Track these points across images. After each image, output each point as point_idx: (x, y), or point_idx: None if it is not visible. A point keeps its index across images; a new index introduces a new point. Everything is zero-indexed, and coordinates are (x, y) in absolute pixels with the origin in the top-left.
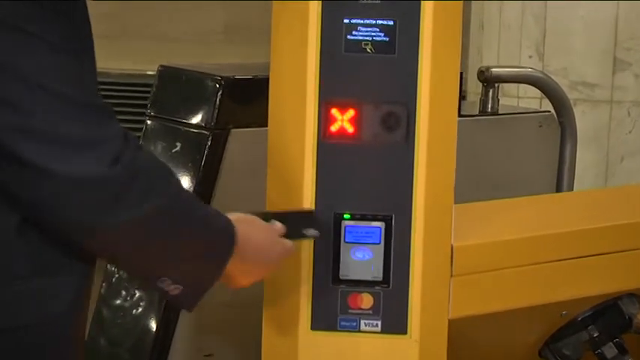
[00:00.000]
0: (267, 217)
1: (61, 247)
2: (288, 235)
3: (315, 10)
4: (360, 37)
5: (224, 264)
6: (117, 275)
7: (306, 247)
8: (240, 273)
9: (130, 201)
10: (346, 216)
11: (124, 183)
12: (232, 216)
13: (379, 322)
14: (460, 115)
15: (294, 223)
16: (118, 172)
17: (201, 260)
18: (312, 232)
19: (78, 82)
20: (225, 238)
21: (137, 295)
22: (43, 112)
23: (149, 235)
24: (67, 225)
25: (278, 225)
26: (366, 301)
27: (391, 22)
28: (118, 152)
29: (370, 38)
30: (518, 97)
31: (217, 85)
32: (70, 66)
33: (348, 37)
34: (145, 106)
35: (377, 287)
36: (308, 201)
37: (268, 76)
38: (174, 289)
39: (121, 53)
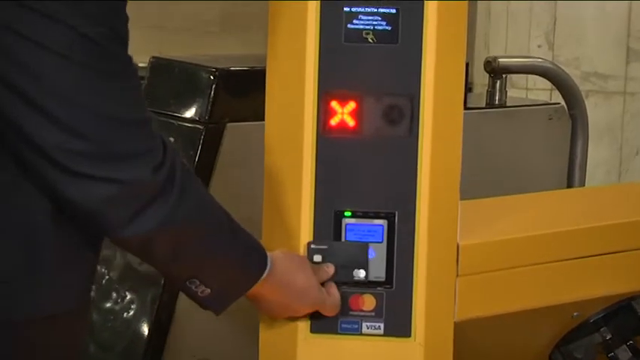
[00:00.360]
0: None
1: (80, 239)
2: (339, 279)
3: None
4: (361, 26)
5: (252, 281)
6: (107, 277)
7: (305, 247)
8: (269, 300)
9: (166, 206)
10: (347, 214)
11: (163, 188)
12: (278, 250)
13: (382, 325)
14: (466, 108)
15: (348, 261)
16: (160, 178)
17: (231, 271)
18: (361, 274)
19: (124, 101)
20: (256, 257)
21: (128, 297)
22: (89, 131)
23: (180, 238)
24: (109, 226)
25: (327, 269)
26: (368, 302)
27: (393, 10)
28: (160, 160)
29: (371, 27)
30: (527, 89)
31: (212, 77)
32: (116, 85)
33: (349, 26)
34: None
35: (379, 288)
36: (307, 198)
37: (265, 67)
38: (203, 291)
39: None
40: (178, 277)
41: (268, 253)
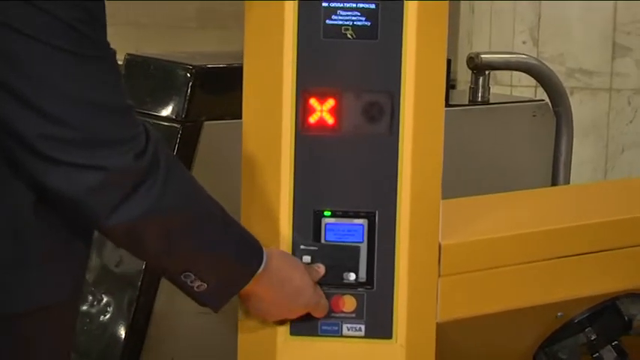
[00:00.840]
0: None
1: (69, 231)
2: (327, 281)
3: None
4: (340, 22)
5: (249, 275)
6: None
7: (285, 247)
8: (262, 299)
9: (150, 194)
10: (326, 213)
11: (147, 176)
12: (271, 249)
13: (363, 326)
14: (448, 105)
15: (338, 263)
16: (143, 165)
17: (226, 264)
18: (351, 276)
19: (106, 88)
20: (251, 251)
21: (104, 300)
22: (72, 119)
23: (168, 227)
24: (94, 215)
25: (318, 270)
26: (349, 303)
27: (373, 6)
28: (143, 148)
29: (351, 23)
30: (512, 86)
31: (188, 75)
32: (98, 72)
33: (327, 21)
34: None
35: (360, 289)
36: (286, 198)
37: (242, 64)
38: (199, 286)
39: None
40: (173, 271)
41: (264, 248)
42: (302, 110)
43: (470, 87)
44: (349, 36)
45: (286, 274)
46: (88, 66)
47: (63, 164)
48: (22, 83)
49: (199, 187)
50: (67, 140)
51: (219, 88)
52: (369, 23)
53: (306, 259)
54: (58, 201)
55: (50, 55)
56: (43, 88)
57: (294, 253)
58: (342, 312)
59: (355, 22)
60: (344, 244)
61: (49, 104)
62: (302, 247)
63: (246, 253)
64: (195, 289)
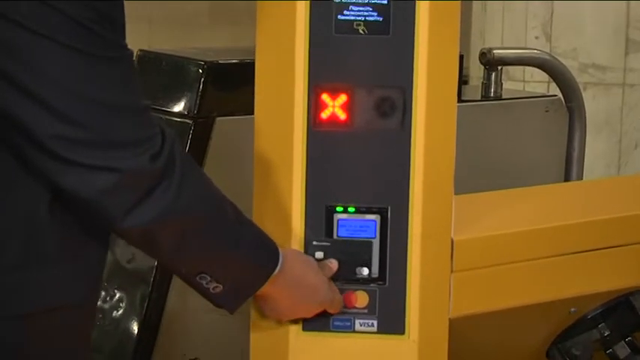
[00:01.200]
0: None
1: (85, 230)
2: (340, 276)
3: None
4: (352, 17)
5: (265, 276)
6: None
7: (297, 243)
8: (277, 300)
9: (165, 196)
10: (339, 209)
11: (162, 178)
12: (285, 249)
13: (375, 322)
14: (461, 100)
15: (351, 259)
16: (158, 166)
17: (241, 265)
18: (364, 271)
19: (118, 88)
20: (267, 251)
21: (117, 295)
22: (83, 119)
23: (183, 228)
24: (109, 217)
25: (331, 266)
26: (361, 299)
27: (385, 1)
28: (158, 149)
29: (362, 18)
30: (524, 82)
31: (200, 71)
32: (109, 72)
33: (339, 17)
34: None
35: (372, 285)
36: (298, 193)
37: (254, 60)
38: (215, 287)
39: None
40: (188, 272)
41: (280, 249)
42: (314, 106)
43: (482, 82)
44: (361, 31)
45: (301, 274)
46: (99, 66)
47: (75, 164)
48: (33, 82)
49: (214, 188)
50: (77, 140)
51: (231, 84)
52: (380, 18)
53: (319, 255)
54: (73, 201)
55: (60, 53)
56: (53, 87)
57: (306, 249)
58: (355, 308)
59: (367, 18)
60: (356, 239)
61: (60, 103)
62: (314, 243)
63: (262, 255)
64: (210, 290)
